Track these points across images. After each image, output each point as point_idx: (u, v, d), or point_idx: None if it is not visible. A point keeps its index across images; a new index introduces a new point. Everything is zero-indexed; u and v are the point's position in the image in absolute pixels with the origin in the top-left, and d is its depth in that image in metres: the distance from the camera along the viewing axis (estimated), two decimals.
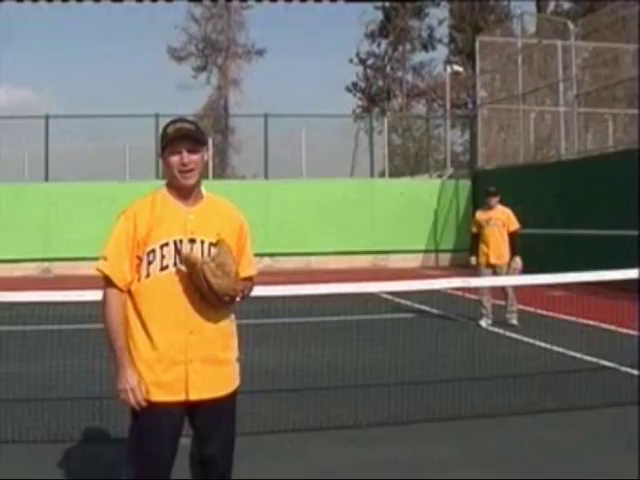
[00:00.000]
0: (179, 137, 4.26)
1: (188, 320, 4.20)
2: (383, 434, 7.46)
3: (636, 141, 23.32)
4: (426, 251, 30.82)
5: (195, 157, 4.30)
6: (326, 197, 29.47)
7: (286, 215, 28.89)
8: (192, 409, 4.28)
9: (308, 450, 7.00)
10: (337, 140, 32.94)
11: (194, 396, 4.23)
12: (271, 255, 28.71)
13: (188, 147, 4.26)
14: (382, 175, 33.72)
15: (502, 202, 14.92)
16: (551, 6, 53.22)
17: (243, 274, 4.40)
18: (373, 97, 55.91)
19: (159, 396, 4.18)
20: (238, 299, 4.37)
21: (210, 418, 4.32)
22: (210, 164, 31.95)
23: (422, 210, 30.43)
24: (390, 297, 17.51)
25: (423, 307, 16.55)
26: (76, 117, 28.99)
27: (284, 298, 8.16)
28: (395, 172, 35.97)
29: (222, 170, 40.67)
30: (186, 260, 4.17)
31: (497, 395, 8.89)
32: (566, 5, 52.54)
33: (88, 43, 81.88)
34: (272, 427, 7.48)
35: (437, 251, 30.82)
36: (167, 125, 4.35)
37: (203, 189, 4.46)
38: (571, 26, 26.28)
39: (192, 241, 4.23)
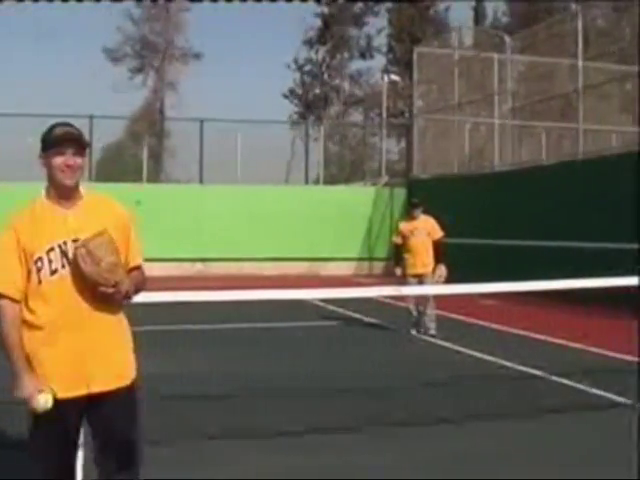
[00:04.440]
0: (66, 140, 4.31)
1: (83, 318, 4.25)
2: (311, 441, 7.38)
3: (568, 154, 23.60)
4: (360, 259, 30.88)
5: (79, 160, 4.33)
6: (261, 203, 29.38)
7: (220, 220, 28.73)
8: (93, 403, 4.30)
9: (234, 457, 6.89)
10: (273, 146, 32.83)
11: (95, 389, 4.27)
12: (203, 260, 28.58)
13: (73, 150, 4.30)
14: (317, 182, 33.75)
15: (427, 211, 14.97)
16: (489, 19, 53.81)
17: (133, 263, 4.49)
18: (310, 104, 55.87)
19: (61, 393, 4.21)
20: (126, 294, 4.35)
21: (112, 410, 4.35)
22: (144, 168, 31.73)
23: (356, 218, 30.48)
24: (323, 304, 17.49)
25: (355, 315, 16.54)
26: (7, 116, 28.49)
27: (214, 304, 8.04)
28: (330, 180, 36.00)
29: (156, 174, 40.28)
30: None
31: (427, 403, 8.86)
32: (504, 19, 53.15)
33: (21, 41, 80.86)
34: (198, 434, 7.37)
35: (371, 259, 30.89)
36: (53, 127, 4.37)
37: (82, 189, 4.42)
38: (508, 40, 26.54)
39: (75, 241, 4.25)
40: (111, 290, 4.23)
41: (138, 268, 4.55)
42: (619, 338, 13.40)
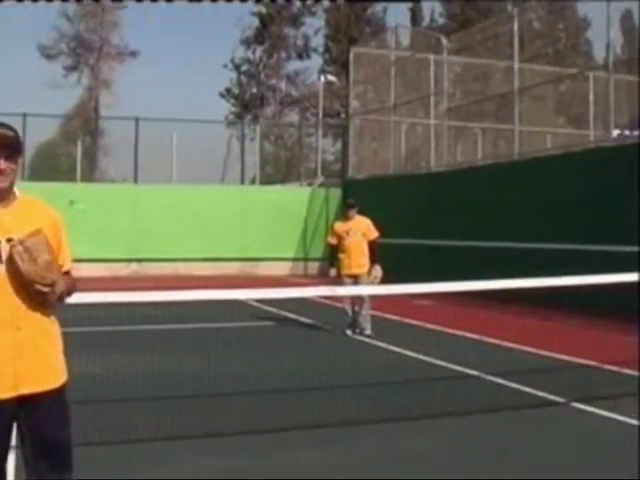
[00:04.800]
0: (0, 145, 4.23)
1: (15, 317, 4.14)
2: (246, 442, 7.28)
3: (503, 155, 23.76)
4: (295, 259, 30.82)
5: (12, 165, 4.24)
6: (196, 203, 29.16)
7: (155, 220, 28.47)
8: (24, 404, 4.20)
9: (169, 458, 6.77)
10: (209, 146, 32.64)
11: (25, 390, 4.16)
12: (138, 261, 28.32)
13: (6, 154, 4.22)
14: (253, 182, 33.62)
15: (362, 212, 14.96)
16: (426, 21, 54.13)
17: (64, 267, 4.40)
18: (246, 104, 55.65)
19: None
20: (60, 296, 4.26)
21: (43, 412, 4.25)
22: (78, 167, 31.35)
23: (292, 218, 30.41)
24: (258, 305, 17.40)
25: (291, 315, 16.48)
26: None
27: (148, 304, 7.90)
28: (266, 180, 35.86)
29: (90, 173, 39.87)
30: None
31: (363, 403, 8.81)
32: (440, 20, 53.51)
33: None
34: (135, 436, 7.23)
35: (306, 259, 30.84)
36: None
37: (17, 190, 4.35)
38: (444, 41, 26.63)
39: (10, 240, 4.15)
40: (46, 289, 4.12)
41: (67, 273, 4.44)
42: (552, 338, 13.49)
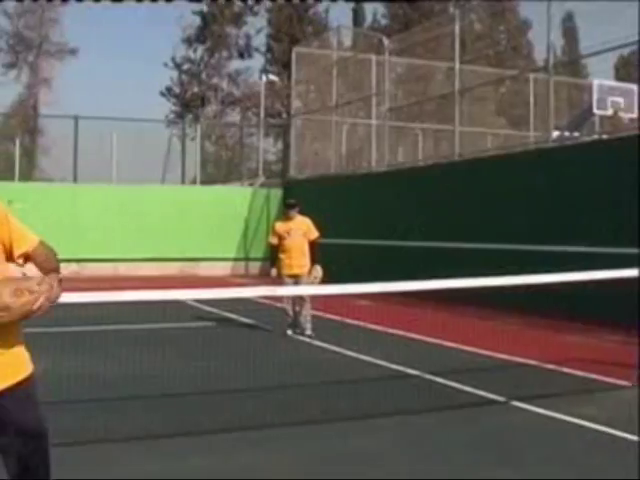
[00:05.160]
0: None
1: None
2: (184, 443, 7.20)
3: (444, 155, 23.86)
4: (236, 259, 30.72)
5: None
6: (136, 203, 28.93)
7: (94, 220, 28.17)
8: None
9: (105, 460, 6.66)
10: (149, 145, 32.41)
11: None
12: (78, 261, 27.96)
13: None
14: (194, 182, 33.43)
15: (303, 212, 14.95)
16: (368, 21, 54.25)
17: (24, 248, 4.34)
18: (187, 103, 55.31)
19: None
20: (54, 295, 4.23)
21: (10, 407, 4.16)
22: (16, 166, 30.95)
23: (233, 218, 30.29)
24: (198, 305, 17.29)
25: (231, 315, 16.40)
26: None
27: (88, 305, 7.78)
28: (207, 179, 35.66)
29: (29, 172, 39.37)
30: None
31: (304, 403, 8.77)
32: (383, 21, 53.66)
33: None
34: (70, 437, 7.11)
35: (247, 259, 30.74)
36: None
37: None
38: (386, 42, 26.69)
39: None
40: (36, 308, 4.03)
41: (27, 255, 4.37)
42: (492, 337, 13.56)
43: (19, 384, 4.19)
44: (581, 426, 7.80)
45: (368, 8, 55.53)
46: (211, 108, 55.89)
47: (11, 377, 4.16)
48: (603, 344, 13.33)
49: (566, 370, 10.75)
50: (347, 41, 33.73)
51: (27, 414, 4.26)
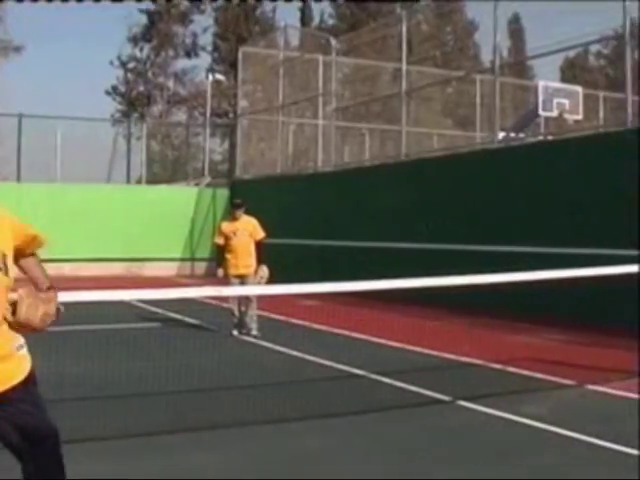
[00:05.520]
0: None
1: None
2: (125, 445, 7.10)
3: (391, 156, 23.90)
4: (182, 259, 30.51)
5: None
6: (81, 203, 28.59)
7: (39, 220, 27.19)
8: None
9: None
10: (94, 144, 32.08)
11: None
12: None
13: None
14: (139, 182, 33.17)
15: (249, 212, 14.91)
16: (315, 21, 54.24)
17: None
18: (133, 102, 54.86)
19: None
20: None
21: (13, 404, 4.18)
22: None
23: (179, 218, 30.07)
24: (144, 305, 17.15)
25: (177, 316, 16.28)
26: None
27: None
28: (153, 179, 35.40)
29: None
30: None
31: (250, 403, 8.70)
32: (330, 21, 53.70)
33: None
34: None
35: (193, 259, 30.56)
36: None
37: None
38: (333, 42, 26.67)
39: None
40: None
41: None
42: (438, 337, 13.60)
43: (25, 384, 4.25)
44: (526, 425, 7.82)
45: (316, 8, 55.61)
46: (157, 107, 55.51)
47: (18, 378, 4.21)
48: (549, 343, 13.41)
49: (511, 369, 10.80)
50: (294, 41, 33.73)
51: (38, 415, 4.32)
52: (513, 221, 17.22)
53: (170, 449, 7.04)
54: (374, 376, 10.27)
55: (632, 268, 10.13)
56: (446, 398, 9.00)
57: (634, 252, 12.79)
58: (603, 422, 8.00)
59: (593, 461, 6.75)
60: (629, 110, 16.16)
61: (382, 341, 13.29)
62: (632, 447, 6.89)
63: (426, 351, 12.29)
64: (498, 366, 11.05)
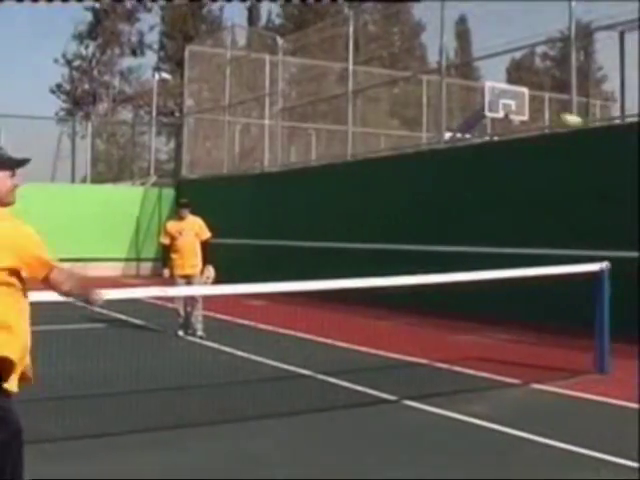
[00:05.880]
0: None
1: None
2: (77, 448, 7.00)
3: (337, 156, 23.91)
4: (127, 259, 30.26)
5: None
6: (25, 202, 27.63)
7: None
8: None
9: None
10: (38, 143, 31.68)
11: None
12: None
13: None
14: (84, 181, 32.87)
15: (195, 212, 14.83)
16: (263, 21, 54.15)
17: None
18: (78, 100, 54.37)
19: None
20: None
21: None
22: None
23: (124, 218, 29.80)
24: (88, 305, 16.92)
25: (122, 316, 16.12)
26: None
27: None
28: (98, 178, 35.12)
29: None
30: None
31: (196, 404, 8.66)
32: (277, 21, 53.64)
33: None
34: None
35: (139, 260, 30.32)
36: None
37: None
38: (280, 41, 26.62)
39: None
40: None
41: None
42: (384, 337, 13.58)
43: None
44: (471, 424, 7.85)
45: (263, 7, 55.53)
46: (102, 106, 55.06)
47: None
48: (496, 343, 13.47)
49: (458, 369, 10.83)
50: (241, 40, 33.60)
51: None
52: (460, 221, 17.28)
53: (114, 450, 6.96)
54: (320, 376, 10.25)
55: (579, 268, 10.23)
56: (392, 398, 9.00)
57: (580, 252, 12.90)
58: (548, 420, 8.04)
59: (539, 459, 6.77)
60: (574, 111, 16.30)
61: (329, 341, 13.26)
62: (576, 445, 6.96)
63: (373, 351, 12.28)
64: (445, 366, 11.07)
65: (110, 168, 41.22)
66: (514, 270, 10.02)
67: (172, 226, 14.71)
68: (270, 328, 14.85)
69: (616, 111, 19.73)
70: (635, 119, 15.17)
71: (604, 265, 10.22)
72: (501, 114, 21.54)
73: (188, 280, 14.13)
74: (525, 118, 21.93)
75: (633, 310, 12.99)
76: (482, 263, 10.77)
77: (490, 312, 15.15)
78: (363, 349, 12.51)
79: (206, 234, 14.49)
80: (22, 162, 4.97)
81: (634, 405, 8.60)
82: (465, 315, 15.49)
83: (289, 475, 6.35)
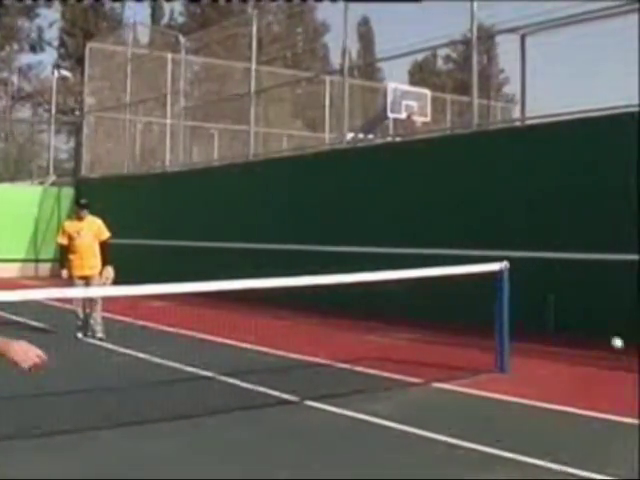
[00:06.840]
0: None
1: None
2: None
3: (240, 156, 23.84)
4: (25, 260, 29.72)
5: None
6: None
7: None
8: None
9: None
10: None
11: None
12: None
13: None
14: None
15: (94, 212, 14.63)
16: (166, 19, 53.79)
17: None
18: None
19: None
20: None
21: None
22: None
23: (22, 218, 29.29)
24: None
25: (19, 318, 15.79)
26: None
27: None
28: None
29: None
30: None
31: (96, 407, 8.53)
32: (180, 19, 53.34)
33: None
34: None
35: (37, 260, 29.81)
36: None
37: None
38: (182, 40, 26.43)
39: None
40: None
41: None
42: (285, 337, 13.59)
43: None
44: (372, 423, 7.87)
45: (166, 5, 55.13)
46: (1, 103, 54.14)
47: None
48: (397, 343, 13.54)
49: (359, 369, 10.86)
50: (144, 38, 33.31)
51: None
52: (362, 221, 17.36)
53: (10, 454, 6.79)
54: (222, 377, 10.19)
55: (479, 268, 10.35)
56: (294, 398, 8.99)
57: (487, 252, 13.08)
58: (448, 419, 8.10)
59: (439, 458, 6.81)
60: (475, 113, 16.51)
61: (230, 342, 13.22)
62: (477, 443, 7.03)
63: (274, 351, 12.27)
64: (346, 366, 11.09)
65: (7, 167, 40.50)
66: (417, 270, 10.07)
67: (70, 226, 14.49)
68: (172, 329, 14.74)
69: (516, 113, 20.04)
70: (535, 121, 15.49)
71: (504, 265, 10.37)
72: (403, 115, 21.74)
73: (87, 281, 13.95)
74: (427, 119, 22.18)
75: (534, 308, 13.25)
76: (384, 263, 10.83)
77: (394, 312, 15.25)
78: (265, 349, 12.48)
79: (105, 234, 14.31)
80: None
81: (532, 402, 8.74)
82: (369, 315, 15.57)
83: (188, 477, 6.29)
